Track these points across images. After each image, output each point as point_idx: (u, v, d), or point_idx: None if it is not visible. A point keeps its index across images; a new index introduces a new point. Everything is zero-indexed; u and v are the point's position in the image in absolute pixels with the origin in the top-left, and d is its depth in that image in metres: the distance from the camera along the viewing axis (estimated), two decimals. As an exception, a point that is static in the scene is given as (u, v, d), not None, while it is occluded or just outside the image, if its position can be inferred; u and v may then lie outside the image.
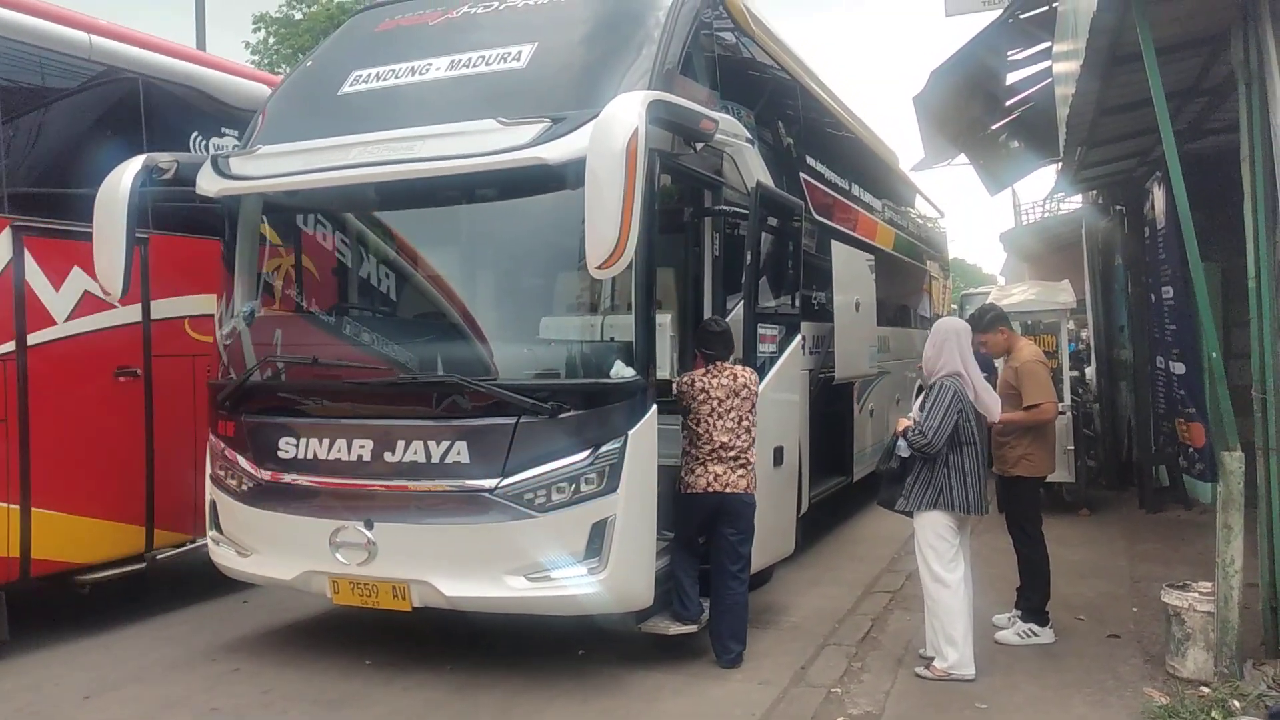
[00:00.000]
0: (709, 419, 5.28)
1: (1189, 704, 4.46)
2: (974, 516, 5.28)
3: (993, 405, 5.35)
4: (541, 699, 4.94)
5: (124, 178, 5.54)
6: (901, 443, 5.21)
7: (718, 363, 5.39)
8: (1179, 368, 7.89)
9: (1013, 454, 5.78)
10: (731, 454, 5.29)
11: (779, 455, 6.39)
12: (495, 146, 4.88)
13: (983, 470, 5.26)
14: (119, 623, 6.42)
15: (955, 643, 5.06)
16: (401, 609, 5.16)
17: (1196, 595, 4.98)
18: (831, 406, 8.50)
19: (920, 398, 5.42)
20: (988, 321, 6.04)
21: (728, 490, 5.28)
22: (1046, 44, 7.75)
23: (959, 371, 5.21)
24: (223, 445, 5.72)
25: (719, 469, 5.28)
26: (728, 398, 5.31)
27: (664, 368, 5.35)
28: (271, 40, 22.41)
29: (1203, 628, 4.90)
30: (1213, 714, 4.29)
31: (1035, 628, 5.70)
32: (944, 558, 5.14)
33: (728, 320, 5.87)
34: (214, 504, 5.83)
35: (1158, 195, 7.83)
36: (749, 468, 5.37)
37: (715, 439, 5.27)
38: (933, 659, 5.18)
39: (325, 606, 6.18)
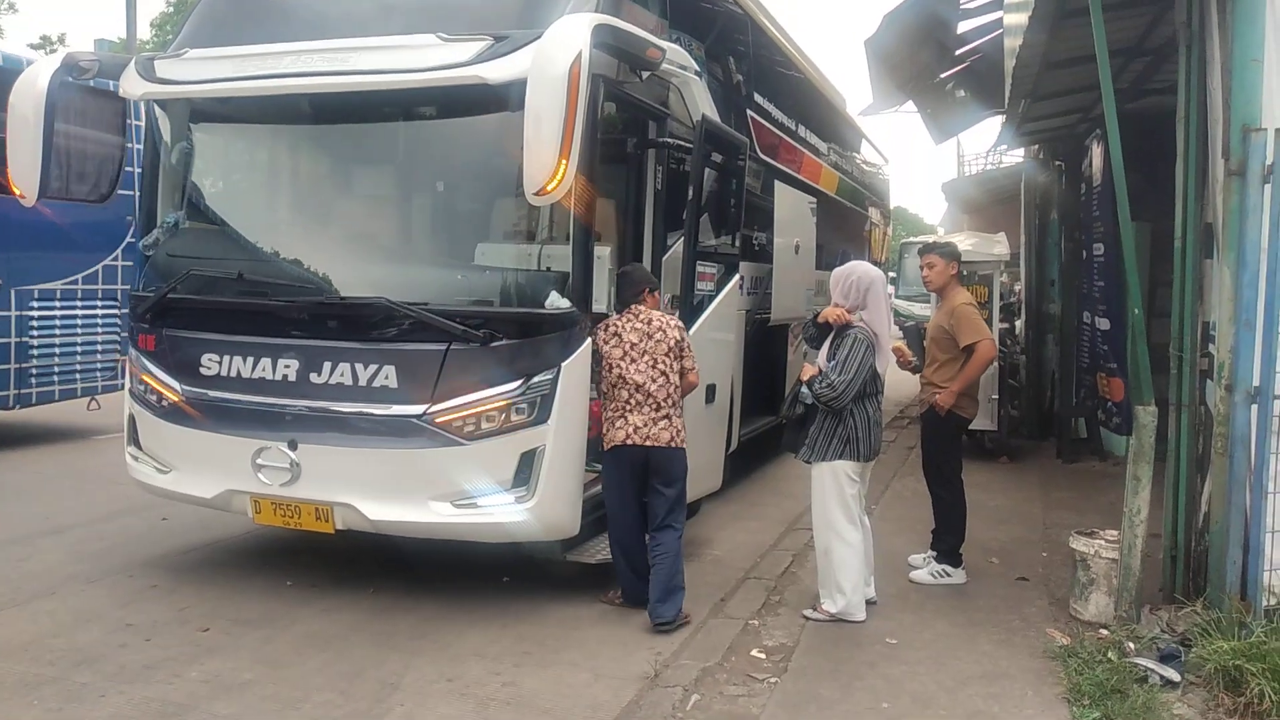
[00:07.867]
0: (621, 362, 5.02)
1: (1088, 645, 4.64)
2: (872, 462, 5.24)
3: (887, 362, 5.21)
4: (461, 624, 4.97)
5: (41, 75, 5.26)
6: (805, 390, 5.08)
7: (633, 306, 5.15)
8: (1104, 323, 8.09)
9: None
10: (651, 403, 4.98)
11: (711, 393, 6.42)
12: (434, 63, 4.72)
13: (880, 414, 5.22)
14: (34, 537, 6.29)
15: (845, 591, 5.07)
16: (324, 531, 5.12)
17: (1103, 543, 5.16)
18: (766, 347, 8.56)
19: (830, 342, 5.16)
20: (949, 251, 6.07)
21: (649, 444, 4.97)
22: (999, -6, 7.75)
23: (874, 322, 5.09)
24: (143, 359, 5.56)
25: (638, 420, 4.97)
26: (640, 340, 5.03)
27: (600, 301, 5.31)
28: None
29: (1106, 573, 5.10)
30: (1109, 654, 4.47)
31: (949, 569, 5.86)
32: (847, 509, 5.06)
33: (665, 258, 5.84)
34: (133, 419, 5.68)
35: (1096, 153, 7.93)
36: (672, 420, 5.03)
37: (629, 379, 4.98)
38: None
39: (247, 527, 6.12)
